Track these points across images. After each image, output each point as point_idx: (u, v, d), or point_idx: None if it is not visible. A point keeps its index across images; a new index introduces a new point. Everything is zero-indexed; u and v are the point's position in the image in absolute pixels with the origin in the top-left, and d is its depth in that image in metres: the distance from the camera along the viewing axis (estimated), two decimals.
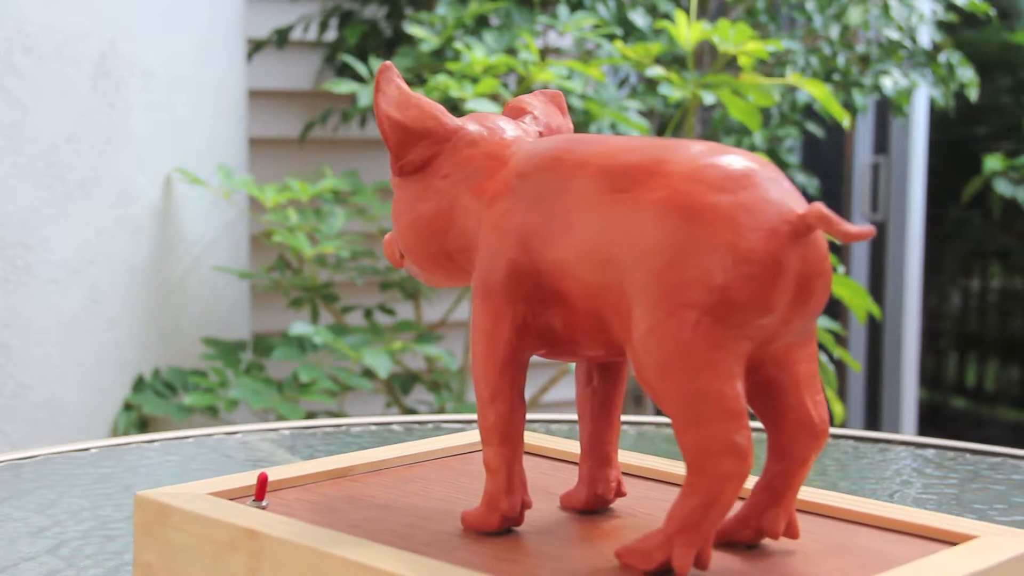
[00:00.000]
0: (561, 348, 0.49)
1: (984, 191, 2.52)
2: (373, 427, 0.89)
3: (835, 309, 2.38)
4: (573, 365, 0.53)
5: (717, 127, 2.10)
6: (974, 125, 3.12)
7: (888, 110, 2.65)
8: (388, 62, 0.52)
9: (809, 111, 2.34)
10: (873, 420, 2.87)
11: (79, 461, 0.78)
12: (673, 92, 1.56)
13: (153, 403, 1.57)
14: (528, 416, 0.51)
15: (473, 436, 0.64)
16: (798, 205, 0.44)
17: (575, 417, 0.53)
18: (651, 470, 0.58)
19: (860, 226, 0.42)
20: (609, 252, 0.45)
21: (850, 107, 2.18)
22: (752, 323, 0.43)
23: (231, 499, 0.52)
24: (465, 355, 1.79)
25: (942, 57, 2.20)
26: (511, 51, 1.74)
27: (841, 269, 1.55)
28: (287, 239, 1.63)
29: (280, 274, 1.77)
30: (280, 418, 1.58)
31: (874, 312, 1.44)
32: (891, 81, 2.14)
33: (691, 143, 0.45)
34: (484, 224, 0.50)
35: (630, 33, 1.91)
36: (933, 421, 3.11)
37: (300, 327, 1.59)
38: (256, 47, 2.11)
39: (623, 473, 0.56)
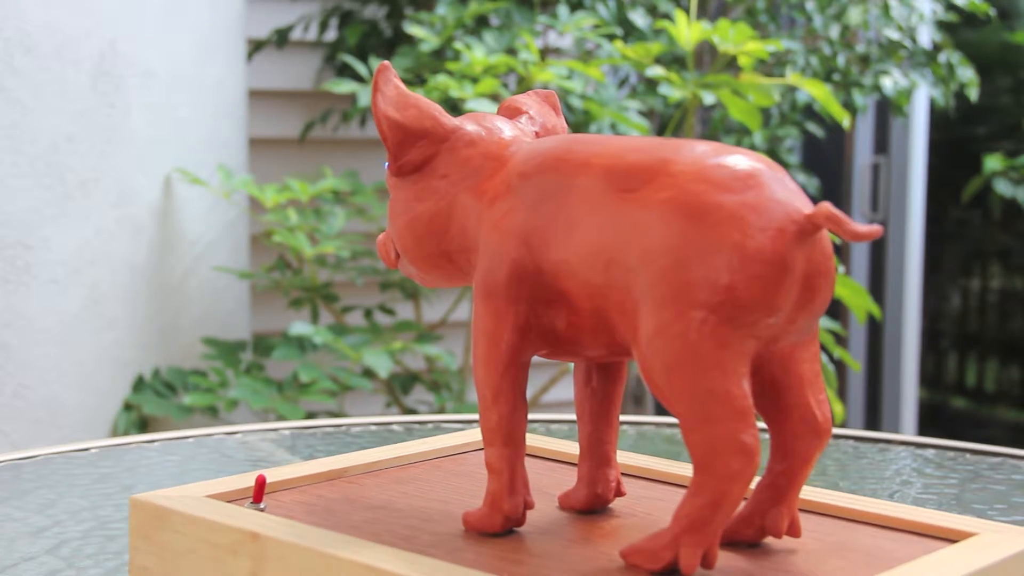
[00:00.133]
0: (563, 348, 0.49)
1: (984, 191, 2.52)
2: (373, 427, 0.88)
3: (835, 309, 2.38)
4: (572, 365, 0.53)
5: (717, 127, 2.10)
6: (974, 125, 3.12)
7: (888, 110, 2.65)
8: (386, 62, 0.52)
9: (809, 111, 2.34)
10: (873, 420, 2.87)
11: (79, 461, 0.78)
12: (673, 92, 1.56)
13: (153, 403, 1.57)
14: (528, 416, 0.51)
15: (467, 436, 0.64)
16: (804, 205, 0.44)
17: (575, 417, 0.53)
18: (650, 470, 0.58)
19: (868, 226, 0.42)
20: (614, 252, 0.45)
21: (850, 107, 2.18)
22: (759, 323, 0.43)
23: (228, 501, 0.52)
24: (465, 355, 1.79)
25: (942, 57, 2.20)
26: (511, 51, 1.74)
27: (841, 269, 1.55)
28: (287, 239, 1.63)
29: (280, 274, 1.77)
30: (280, 418, 1.58)
31: (874, 312, 1.44)
32: (891, 81, 2.14)
33: (695, 143, 0.45)
34: (484, 224, 0.50)
35: (630, 33, 1.91)
36: (933, 421, 3.11)
37: (300, 327, 1.59)
38: (256, 47, 2.11)
39: (622, 473, 0.56)
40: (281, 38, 2.10)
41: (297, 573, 0.46)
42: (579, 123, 1.73)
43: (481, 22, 1.82)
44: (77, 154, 1.51)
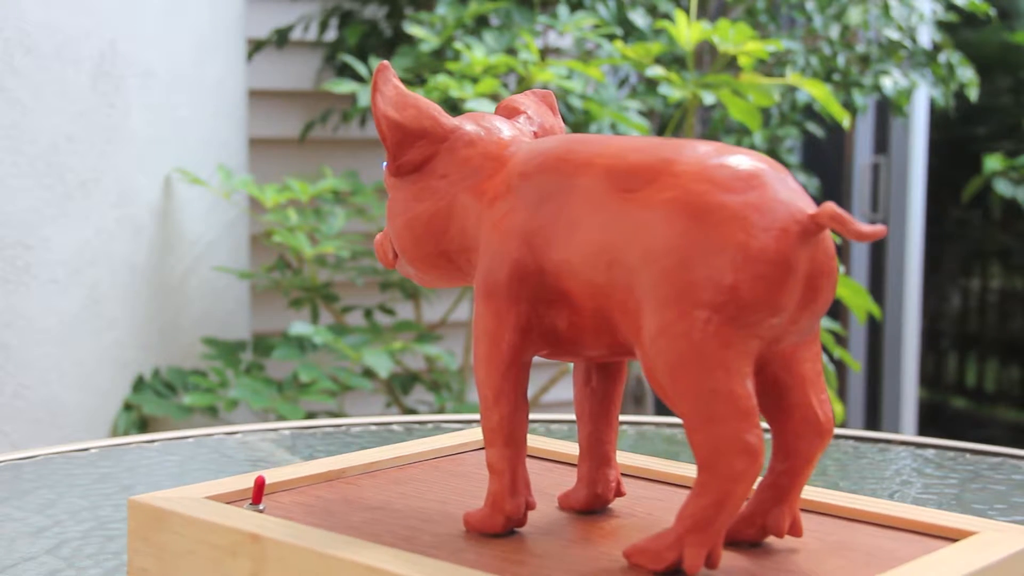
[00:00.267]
0: (564, 348, 0.49)
1: (984, 191, 2.52)
2: (373, 427, 0.88)
3: (835, 309, 2.38)
4: (572, 365, 0.53)
5: (717, 127, 2.10)
6: (974, 125, 3.12)
7: (888, 110, 2.65)
8: (385, 62, 0.52)
9: (809, 111, 2.34)
10: (873, 420, 2.87)
11: (79, 461, 0.78)
12: (673, 92, 1.56)
13: (153, 403, 1.57)
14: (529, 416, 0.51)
15: (465, 436, 0.64)
16: (807, 205, 0.44)
17: (575, 417, 0.53)
18: (650, 470, 0.58)
19: (872, 226, 0.42)
20: (617, 252, 0.45)
21: (850, 107, 2.18)
22: (762, 322, 0.43)
23: (228, 502, 0.52)
24: (465, 355, 1.79)
25: (942, 57, 2.20)
26: (511, 51, 1.74)
27: (841, 269, 1.55)
28: (287, 239, 1.63)
29: (280, 274, 1.77)
30: (280, 418, 1.58)
31: (874, 312, 1.44)
32: (891, 81, 2.14)
33: (697, 143, 0.45)
34: (485, 225, 0.50)
35: (630, 33, 1.91)
36: (933, 421, 3.11)
37: (300, 327, 1.59)
38: (256, 47, 2.11)
39: (622, 473, 0.56)
40: (281, 38, 2.10)
41: (297, 574, 0.46)
42: (579, 123, 1.73)
43: (481, 22, 1.82)
44: (77, 154, 1.51)
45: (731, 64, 1.87)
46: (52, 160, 1.48)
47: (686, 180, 0.44)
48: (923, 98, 2.72)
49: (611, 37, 1.88)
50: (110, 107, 1.55)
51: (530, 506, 0.50)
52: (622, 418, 0.85)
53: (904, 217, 2.80)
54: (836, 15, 2.13)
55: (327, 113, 2.04)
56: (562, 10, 1.78)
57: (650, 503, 0.54)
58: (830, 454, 0.82)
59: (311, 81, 2.22)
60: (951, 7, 2.28)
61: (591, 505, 0.52)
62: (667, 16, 1.92)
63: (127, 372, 1.61)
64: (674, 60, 2.00)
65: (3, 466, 0.76)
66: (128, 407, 1.59)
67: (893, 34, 2.16)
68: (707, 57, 2.07)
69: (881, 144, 2.83)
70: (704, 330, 0.42)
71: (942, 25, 2.32)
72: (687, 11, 1.85)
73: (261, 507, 0.52)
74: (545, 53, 2.03)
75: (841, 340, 2.62)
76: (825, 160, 2.78)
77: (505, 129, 0.52)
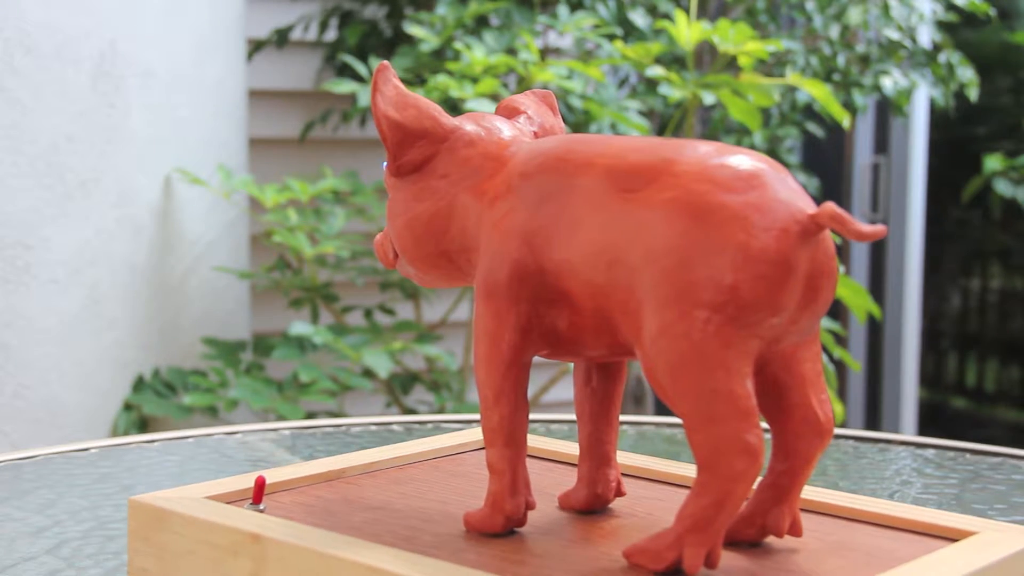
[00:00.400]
0: (565, 348, 0.49)
1: (984, 191, 2.52)
2: (373, 427, 0.88)
3: (835, 309, 2.38)
4: (572, 365, 0.53)
5: (717, 127, 2.10)
6: (974, 125, 3.12)
7: (888, 110, 2.65)
8: (385, 62, 0.52)
9: (809, 111, 2.34)
10: (873, 420, 2.87)
11: (79, 461, 0.78)
12: (673, 92, 1.56)
13: (153, 403, 1.57)
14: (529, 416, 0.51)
15: (465, 436, 0.64)
16: (807, 205, 0.44)
17: (575, 417, 0.53)
18: (650, 470, 0.58)
19: (872, 226, 0.42)
20: (617, 252, 0.45)
21: (850, 107, 2.18)
22: (763, 322, 0.43)
23: (228, 502, 0.52)
24: (465, 355, 1.79)
25: (942, 57, 2.20)
26: (511, 51, 1.74)
27: (841, 269, 1.55)
28: (287, 239, 1.63)
29: (280, 274, 1.77)
30: (280, 418, 1.58)
31: (874, 312, 1.44)
32: (891, 81, 2.14)
33: (698, 143, 0.45)
34: (485, 225, 0.50)
35: (630, 33, 1.91)
36: (933, 421, 3.11)
37: (300, 327, 1.59)
38: (256, 47, 2.11)
39: (622, 473, 0.56)
40: (281, 38, 2.10)
41: (298, 574, 0.46)
42: (579, 123, 1.73)
43: (481, 22, 1.82)
44: (77, 154, 1.51)
45: (731, 64, 1.87)
46: (52, 160, 1.48)
47: (687, 180, 0.44)
48: (923, 98, 2.72)
49: (611, 37, 1.88)
50: (110, 107, 1.55)
51: (530, 506, 0.50)
52: (622, 418, 0.85)
53: (904, 217, 2.80)
54: (836, 15, 2.13)
55: (327, 113, 2.04)
56: (562, 10, 1.78)
57: (650, 503, 0.54)
58: (830, 454, 0.82)
59: (311, 81, 2.22)
60: (951, 7, 2.28)
61: (591, 505, 0.52)
62: (667, 16, 1.92)
63: (127, 372, 1.61)
64: (674, 60, 2.00)
65: (3, 466, 0.76)
66: (128, 407, 1.59)
67: (893, 34, 2.16)
68: (707, 57, 2.07)
69: (881, 144, 2.83)
70: (704, 330, 0.42)
71: (942, 25, 2.32)
72: (687, 11, 1.85)
73: (261, 507, 0.52)
74: (545, 53, 2.03)
75: (841, 340, 2.63)
76: (825, 160, 2.78)
77: (505, 129, 0.52)
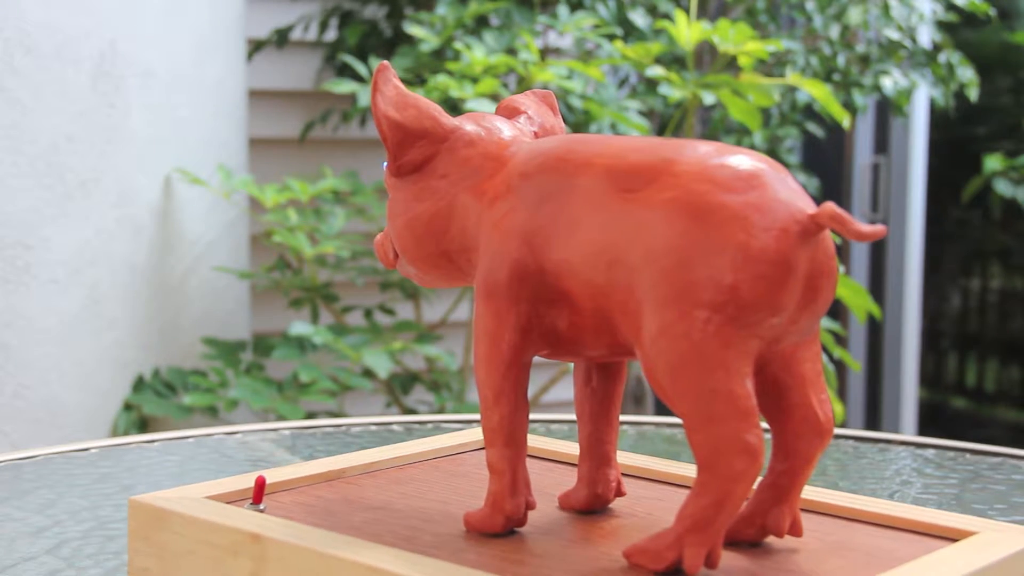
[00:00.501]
0: (564, 348, 0.49)
1: (984, 191, 2.52)
2: (373, 427, 0.88)
3: (835, 309, 2.38)
4: (572, 365, 0.53)
5: (717, 127, 2.10)
6: (974, 125, 3.12)
7: (888, 110, 2.65)
8: (385, 62, 0.52)
9: (809, 111, 2.34)
10: (873, 420, 2.87)
11: (79, 461, 0.78)
12: (673, 92, 1.56)
13: (153, 403, 1.57)
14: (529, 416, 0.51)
15: (465, 436, 0.64)
16: (807, 205, 0.44)
17: (575, 417, 0.53)
18: (650, 470, 0.58)
19: (872, 226, 0.42)
20: (617, 252, 0.45)
21: (850, 107, 2.18)
22: (762, 322, 0.43)
23: (228, 502, 0.52)
24: (465, 355, 1.79)
25: (942, 57, 2.20)
26: (511, 51, 1.74)
27: (841, 269, 1.55)
28: (287, 239, 1.63)
29: (280, 274, 1.77)
30: (280, 418, 1.58)
31: (874, 312, 1.44)
32: (891, 81, 2.14)
33: (698, 143, 0.45)
34: (485, 225, 0.50)
35: (630, 33, 1.91)
36: (933, 421, 3.11)
37: (300, 327, 1.59)
38: (256, 47, 2.11)
39: (622, 473, 0.56)
40: (281, 38, 2.10)
41: (298, 574, 0.46)
42: (579, 123, 1.73)
43: (481, 22, 1.82)
44: (77, 154, 1.51)
45: (731, 64, 1.87)
46: (52, 160, 1.48)
47: (686, 180, 0.44)
48: (923, 98, 2.72)
49: (611, 37, 1.88)
50: (110, 107, 1.55)
51: (530, 506, 0.50)
52: (622, 418, 0.85)
53: (904, 217, 2.80)
54: (836, 15, 2.13)
55: (327, 113, 2.04)
56: (562, 10, 1.78)
57: (650, 503, 0.54)
58: (830, 454, 0.82)
59: (311, 81, 2.22)
60: (951, 7, 2.28)
61: (591, 505, 0.52)
62: (667, 16, 1.92)
63: (127, 372, 1.61)
64: (674, 60, 2.00)
65: (3, 466, 0.76)
66: (128, 407, 1.59)
67: (893, 34, 2.16)
68: (707, 57, 2.07)
69: (881, 144, 2.83)
70: (704, 330, 0.42)
71: (942, 25, 2.32)
72: (687, 11, 1.85)
73: (262, 507, 0.52)
74: (545, 53, 2.03)
75: (841, 340, 2.63)
76: (825, 160, 2.78)
77: (505, 129, 0.52)
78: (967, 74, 2.19)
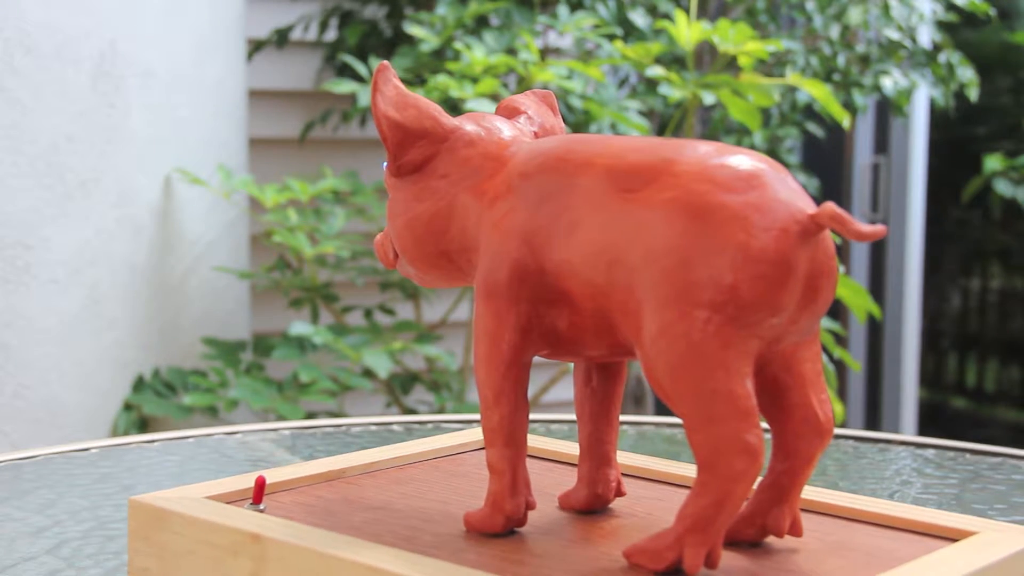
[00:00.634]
0: (564, 348, 0.49)
1: (984, 191, 2.52)
2: (373, 427, 0.88)
3: (835, 309, 2.38)
4: (572, 365, 0.53)
5: (717, 127, 2.10)
6: (974, 125, 3.12)
7: (888, 110, 2.65)
8: (385, 62, 0.52)
9: (809, 111, 2.34)
10: (873, 420, 2.87)
11: (79, 461, 0.78)
12: (673, 92, 1.56)
13: (153, 403, 1.57)
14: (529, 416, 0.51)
15: (465, 436, 0.64)
16: (807, 205, 0.44)
17: (575, 417, 0.53)
18: (650, 470, 0.58)
19: (872, 226, 0.42)
20: (617, 252, 0.45)
21: (850, 107, 2.18)
22: (762, 322, 0.43)
23: (228, 502, 0.52)
24: (465, 355, 1.79)
25: (942, 57, 2.20)
26: (511, 51, 1.74)
27: (841, 269, 1.55)
28: (287, 239, 1.63)
29: (280, 274, 1.77)
30: (280, 418, 1.58)
31: (874, 312, 1.44)
32: (891, 81, 2.14)
33: (698, 143, 0.45)
34: (485, 225, 0.50)
35: (630, 33, 1.91)
36: (933, 421, 3.11)
37: (300, 327, 1.59)
38: (256, 47, 2.11)
39: (622, 473, 0.56)
40: (281, 38, 2.10)
41: (298, 574, 0.46)
42: (579, 123, 1.73)
43: (481, 22, 1.82)
44: (77, 154, 1.51)
45: (731, 64, 1.87)
46: (52, 160, 1.48)
47: (686, 180, 0.44)
48: (923, 98, 2.72)
49: (611, 37, 1.88)
50: (110, 107, 1.55)
51: (530, 506, 0.50)
52: (622, 418, 0.85)
53: (904, 217, 2.80)
54: (836, 15, 2.13)
55: (327, 113, 2.04)
56: (562, 10, 1.78)
57: (650, 503, 0.54)
58: (830, 454, 0.82)
59: (311, 81, 2.22)
60: (951, 7, 2.28)
61: (591, 505, 0.52)
62: (667, 16, 1.92)
63: (127, 372, 1.61)
64: (674, 60, 2.00)
65: (3, 466, 0.76)
66: (128, 407, 1.59)
67: (893, 34, 2.16)
68: (707, 57, 2.07)
69: (881, 144, 2.83)
70: (704, 330, 0.42)
71: (942, 25, 2.32)
72: (687, 11, 1.85)
73: (262, 507, 0.52)
74: (545, 53, 2.03)
75: (841, 340, 2.63)
76: (825, 160, 2.78)
77: (505, 129, 0.52)
78: (967, 74, 2.19)
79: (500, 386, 0.49)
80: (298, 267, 1.79)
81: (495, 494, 0.49)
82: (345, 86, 1.67)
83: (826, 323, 1.53)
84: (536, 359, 0.50)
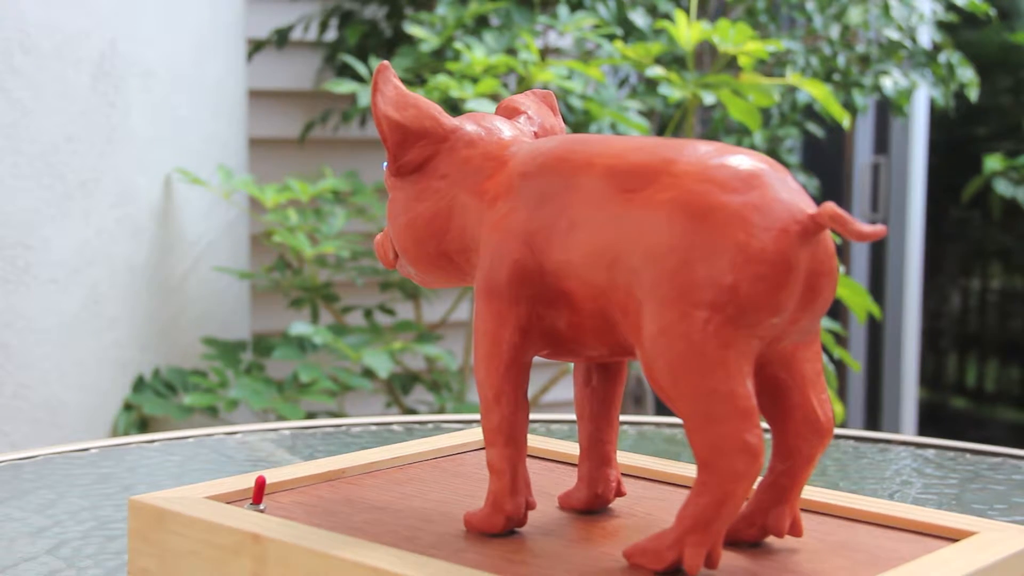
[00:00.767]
0: (565, 349, 0.49)
1: (984, 191, 2.52)
2: (373, 427, 0.88)
3: (835, 309, 2.38)
4: (572, 365, 0.53)
5: (717, 127, 2.10)
6: (974, 125, 3.12)
7: (888, 110, 2.65)
8: (385, 62, 0.52)
9: (809, 111, 2.34)
10: (873, 420, 2.87)
11: (79, 461, 0.78)
12: (673, 92, 1.56)
13: (153, 403, 1.57)
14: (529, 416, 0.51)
15: (465, 436, 0.64)
16: (807, 205, 0.44)
17: (575, 417, 0.53)
18: (650, 470, 0.58)
19: (872, 226, 0.42)
20: (617, 252, 0.45)
21: (850, 107, 2.18)
22: (762, 322, 0.43)
23: (228, 502, 0.52)
24: (465, 355, 1.79)
25: (942, 57, 2.20)
26: (511, 51, 1.74)
27: (841, 269, 1.55)
28: (287, 239, 1.63)
29: (280, 274, 1.77)
30: (280, 418, 1.58)
31: (874, 312, 1.44)
32: (891, 81, 2.14)
33: (698, 143, 0.45)
34: (485, 225, 0.50)
35: (630, 33, 1.91)
36: (933, 421, 3.11)
37: (300, 327, 1.59)
38: (256, 47, 2.11)
39: (622, 473, 0.56)
40: (281, 38, 2.10)
41: (298, 574, 0.46)
42: (579, 123, 1.73)
43: (481, 22, 1.82)
44: (77, 154, 1.51)
45: (731, 64, 1.87)
46: (52, 160, 1.48)
47: (686, 180, 0.44)
48: (923, 98, 2.72)
49: (611, 37, 1.88)
50: (110, 107, 1.55)
51: (530, 506, 0.50)
52: (622, 418, 0.85)
53: (904, 217, 2.80)
54: (836, 15, 2.13)
55: (327, 113, 2.04)
56: (562, 10, 1.78)
57: (650, 503, 0.54)
58: (830, 454, 0.82)
59: (311, 81, 2.22)
60: (951, 7, 2.28)
61: (591, 505, 0.52)
62: (667, 16, 1.92)
63: (127, 372, 1.61)
64: (674, 60, 2.00)
65: (3, 466, 0.76)
66: (128, 407, 1.59)
67: (893, 34, 2.16)
68: (707, 57, 2.07)
69: (881, 144, 2.83)
70: (704, 330, 0.42)
71: (942, 25, 2.32)
72: (687, 11, 1.85)
73: (262, 507, 0.52)
74: (545, 53, 2.03)
75: (841, 340, 2.63)
76: (825, 160, 2.78)
77: (506, 129, 0.52)
78: (967, 74, 2.19)
79: (500, 386, 0.49)
80: (298, 267, 1.79)
81: (495, 494, 0.49)
82: (345, 86, 1.67)
83: (826, 323, 1.53)
84: (536, 359, 0.50)
